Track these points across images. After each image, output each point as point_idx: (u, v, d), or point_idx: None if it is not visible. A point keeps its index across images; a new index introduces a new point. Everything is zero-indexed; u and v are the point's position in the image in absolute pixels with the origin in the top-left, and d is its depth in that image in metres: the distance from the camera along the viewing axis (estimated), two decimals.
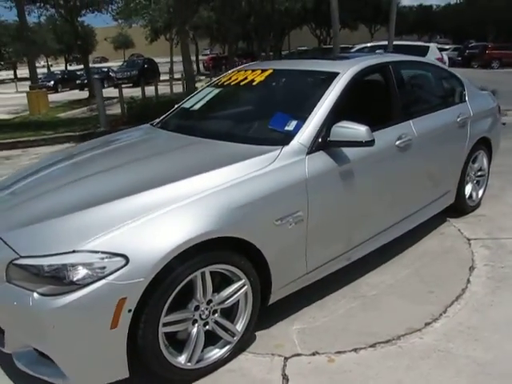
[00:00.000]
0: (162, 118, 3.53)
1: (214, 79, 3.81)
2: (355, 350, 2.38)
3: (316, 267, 2.64)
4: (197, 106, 3.44)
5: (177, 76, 22.50)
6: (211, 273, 2.15)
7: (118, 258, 1.86)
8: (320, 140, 2.55)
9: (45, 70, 39.12)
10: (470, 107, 3.85)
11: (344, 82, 2.82)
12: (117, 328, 1.85)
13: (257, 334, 2.53)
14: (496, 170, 5.25)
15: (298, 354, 2.37)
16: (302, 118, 2.63)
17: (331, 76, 2.89)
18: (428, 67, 3.80)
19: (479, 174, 4.16)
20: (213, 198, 2.14)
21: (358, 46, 11.75)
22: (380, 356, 2.32)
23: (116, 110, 11.89)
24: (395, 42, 10.41)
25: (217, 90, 3.54)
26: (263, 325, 2.59)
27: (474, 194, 4.13)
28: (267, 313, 2.62)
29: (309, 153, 2.50)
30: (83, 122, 10.94)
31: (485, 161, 4.16)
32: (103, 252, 1.85)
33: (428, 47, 10.96)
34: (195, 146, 2.73)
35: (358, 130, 2.48)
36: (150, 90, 14.34)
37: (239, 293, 2.27)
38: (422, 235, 3.68)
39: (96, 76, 19.90)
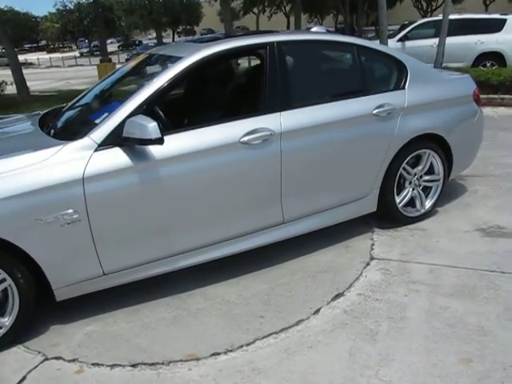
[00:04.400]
0: None
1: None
2: (113, 365, 2.15)
3: (118, 270, 2.44)
4: (86, 93, 3.28)
5: None
6: None
7: None
8: (117, 136, 2.29)
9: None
10: (408, 96, 3.08)
11: (177, 70, 2.49)
12: None
13: (52, 328, 2.45)
14: (498, 173, 4.31)
15: (58, 358, 2.23)
16: (115, 110, 2.38)
17: (173, 62, 2.54)
18: (345, 48, 3.03)
19: (427, 178, 3.36)
20: None
21: (421, 21, 10.17)
22: (128, 379, 2.07)
23: None
24: (458, 16, 8.89)
25: (111, 74, 3.34)
26: (65, 320, 2.50)
27: (418, 203, 3.37)
28: (79, 308, 2.55)
29: (98, 149, 2.27)
30: None
31: (437, 164, 3.34)
32: None
33: (504, 20, 9.01)
34: (17, 137, 2.65)
35: (145, 126, 2.18)
36: None
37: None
38: (324, 245, 3.13)
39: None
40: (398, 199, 3.24)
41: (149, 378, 2.06)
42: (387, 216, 3.31)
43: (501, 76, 7.28)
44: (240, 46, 2.69)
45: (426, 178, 3.36)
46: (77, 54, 40.78)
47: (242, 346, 2.23)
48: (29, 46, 53.60)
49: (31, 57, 41.95)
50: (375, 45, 3.13)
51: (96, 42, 42.81)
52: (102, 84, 3.21)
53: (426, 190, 3.41)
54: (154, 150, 2.33)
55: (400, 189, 3.28)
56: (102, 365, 2.16)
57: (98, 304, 2.59)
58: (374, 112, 2.93)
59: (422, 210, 3.39)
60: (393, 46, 9.54)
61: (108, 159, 2.28)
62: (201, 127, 2.47)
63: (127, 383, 2.05)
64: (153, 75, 2.56)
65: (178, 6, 37.99)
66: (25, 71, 11.43)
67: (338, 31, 28.75)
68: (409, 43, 9.49)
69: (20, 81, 10.44)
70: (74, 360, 2.20)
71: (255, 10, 29.95)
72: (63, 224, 2.20)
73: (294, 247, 3.07)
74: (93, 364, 2.17)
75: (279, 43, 2.72)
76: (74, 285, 2.37)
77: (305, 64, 2.87)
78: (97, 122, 2.41)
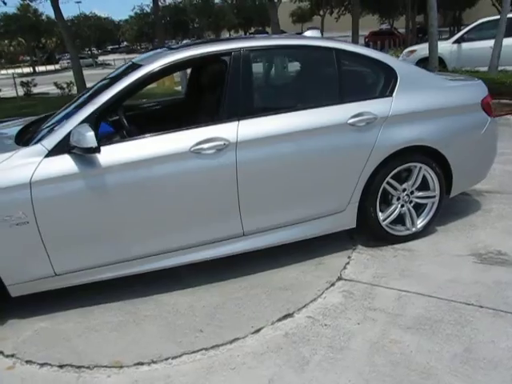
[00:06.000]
0: None
1: None
2: (43, 364, 2.22)
3: (70, 271, 2.52)
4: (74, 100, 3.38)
5: None
6: None
7: None
8: (67, 143, 2.36)
9: None
10: (394, 104, 2.82)
11: (132, 79, 2.53)
12: None
13: (9, 322, 2.58)
14: None
15: None
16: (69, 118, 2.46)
17: (133, 70, 2.57)
18: (323, 53, 2.80)
19: (420, 195, 3.06)
20: None
21: (480, 20, 9.23)
22: (50, 379, 2.12)
23: None
24: None
25: (100, 81, 3.42)
26: (23, 315, 2.61)
27: (408, 221, 3.08)
28: (40, 304, 2.63)
29: (48, 156, 2.36)
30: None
31: (432, 179, 3.02)
32: None
33: None
34: None
35: (83, 135, 2.25)
36: None
37: None
38: (297, 260, 2.97)
39: None
40: (381, 216, 2.99)
41: (68, 381, 2.10)
42: (370, 233, 3.07)
43: None
44: (201, 53, 2.63)
45: (419, 194, 3.06)
46: None
47: (167, 359, 2.19)
48: (111, 47, 57.68)
49: (108, 57, 44.92)
50: (360, 49, 2.89)
51: (169, 43, 44.90)
52: (86, 91, 3.31)
53: (420, 208, 3.11)
54: (101, 157, 2.37)
55: (387, 204, 3.03)
56: (34, 363, 2.24)
57: (58, 302, 2.68)
58: (350, 121, 2.72)
59: (413, 229, 3.10)
60: (448, 48, 8.89)
61: (57, 165, 2.35)
62: (152, 136, 2.47)
63: (48, 383, 2.10)
64: (113, 83, 2.58)
65: (250, 7, 38.46)
66: (101, 71, 12.25)
67: (409, 32, 27.23)
68: (465, 45, 8.75)
69: (80, 81, 11.21)
70: (12, 355, 2.30)
71: (321, 12, 29.61)
72: (12, 225, 2.32)
73: (266, 260, 2.95)
74: (26, 361, 2.25)
75: (245, 50, 2.63)
76: (26, 283, 2.48)
77: (273, 71, 2.74)
78: (56, 128, 2.49)
